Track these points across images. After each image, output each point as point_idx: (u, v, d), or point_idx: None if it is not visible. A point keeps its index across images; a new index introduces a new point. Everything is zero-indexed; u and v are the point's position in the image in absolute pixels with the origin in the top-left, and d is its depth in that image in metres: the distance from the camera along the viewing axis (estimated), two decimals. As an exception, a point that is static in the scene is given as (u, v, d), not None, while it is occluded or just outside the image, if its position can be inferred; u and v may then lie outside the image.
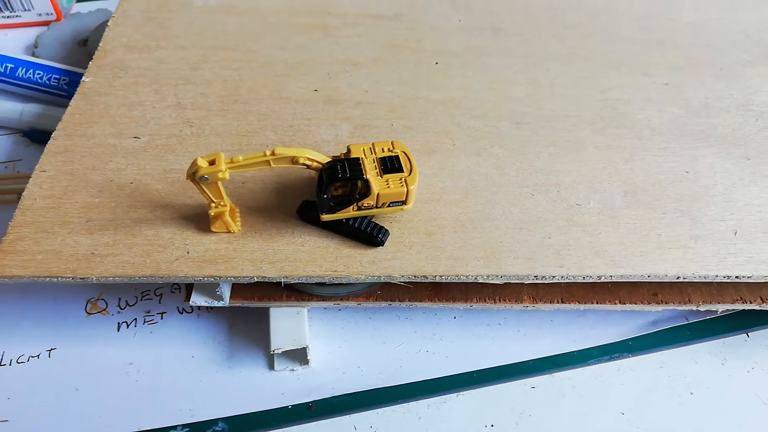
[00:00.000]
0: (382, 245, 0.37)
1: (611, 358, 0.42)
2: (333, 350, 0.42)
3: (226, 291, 0.40)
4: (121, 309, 0.44)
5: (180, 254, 0.36)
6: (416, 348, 0.43)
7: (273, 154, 0.33)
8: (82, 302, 0.44)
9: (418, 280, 0.36)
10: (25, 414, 0.39)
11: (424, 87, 0.48)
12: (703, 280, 0.37)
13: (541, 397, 0.41)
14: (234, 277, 0.36)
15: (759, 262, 0.37)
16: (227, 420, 0.39)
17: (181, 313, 0.44)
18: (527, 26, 0.54)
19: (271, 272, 0.36)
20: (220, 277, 0.36)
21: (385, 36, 0.52)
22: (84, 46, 0.62)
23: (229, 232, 0.38)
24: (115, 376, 0.41)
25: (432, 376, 0.41)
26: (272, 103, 0.46)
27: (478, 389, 0.41)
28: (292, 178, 0.41)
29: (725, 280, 0.37)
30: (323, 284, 0.39)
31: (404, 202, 0.36)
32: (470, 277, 0.36)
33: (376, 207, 0.36)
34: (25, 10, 0.65)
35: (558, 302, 0.41)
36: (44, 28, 0.65)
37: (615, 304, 0.41)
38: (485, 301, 0.41)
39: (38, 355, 0.42)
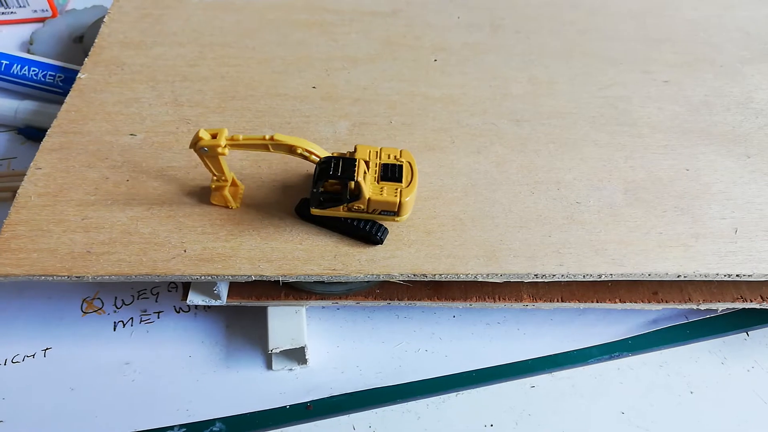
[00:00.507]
0: (381, 243, 0.37)
1: (611, 357, 0.42)
2: (331, 349, 0.42)
3: (223, 290, 0.40)
4: (118, 308, 0.44)
5: (177, 252, 0.36)
6: (415, 347, 0.42)
7: (272, 139, 0.34)
8: (78, 301, 0.44)
9: (418, 279, 0.36)
10: (20, 414, 0.39)
11: (422, 84, 0.47)
12: (704, 279, 0.37)
13: (540, 397, 0.41)
14: (231, 276, 0.35)
15: (759, 261, 0.37)
16: (225, 420, 0.39)
17: (178, 312, 0.44)
18: (526, 23, 0.54)
19: (269, 271, 0.35)
20: (217, 276, 0.35)
21: (383, 33, 0.52)
22: (80, 43, 0.61)
23: (228, 207, 0.38)
24: (112, 376, 0.40)
25: (431, 375, 0.41)
26: (270, 100, 0.46)
27: (477, 388, 0.41)
28: (290, 176, 0.40)
29: (725, 278, 0.37)
30: (321, 282, 0.39)
31: (396, 213, 0.36)
32: (470, 275, 0.36)
33: (367, 212, 0.36)
34: (21, 6, 0.64)
35: (558, 301, 0.40)
36: (40, 24, 0.65)
37: (615, 302, 0.41)
38: (485, 299, 0.40)
39: (33, 355, 0.41)
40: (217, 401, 0.39)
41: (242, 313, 0.43)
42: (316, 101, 0.46)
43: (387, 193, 0.35)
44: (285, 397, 0.40)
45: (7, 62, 0.55)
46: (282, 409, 0.39)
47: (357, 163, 0.34)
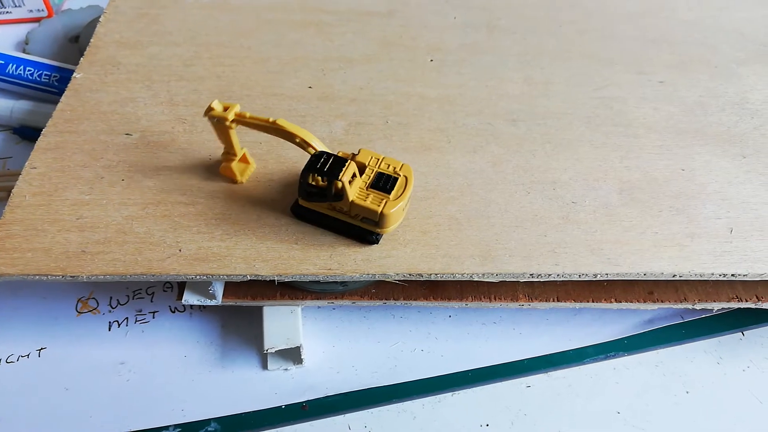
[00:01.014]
0: (377, 243, 0.37)
1: (607, 357, 0.42)
2: (327, 349, 0.42)
3: (218, 289, 0.40)
4: (113, 308, 0.43)
5: (172, 252, 0.36)
6: (411, 347, 0.42)
7: (274, 123, 0.35)
8: (73, 301, 0.44)
9: (413, 279, 0.36)
10: (15, 414, 0.38)
11: (418, 84, 0.47)
12: (699, 279, 0.37)
13: (536, 397, 0.41)
14: (227, 276, 0.35)
15: (755, 260, 0.37)
16: (220, 420, 0.39)
17: (173, 312, 0.44)
18: (522, 24, 0.54)
19: (265, 270, 0.35)
20: (212, 276, 0.35)
21: (379, 33, 0.52)
22: (75, 43, 0.61)
23: (234, 180, 0.39)
24: (106, 376, 0.40)
25: (427, 375, 0.41)
26: (266, 99, 0.45)
27: (473, 388, 0.41)
28: (286, 175, 0.40)
29: (721, 278, 0.37)
30: (317, 282, 0.39)
31: (377, 224, 0.35)
32: (465, 275, 0.36)
33: (350, 216, 0.36)
34: (16, 6, 0.64)
35: (553, 301, 0.40)
36: (35, 24, 0.64)
37: (610, 302, 0.41)
38: (480, 299, 0.40)
39: (28, 355, 0.41)
40: (212, 401, 0.39)
41: (238, 313, 0.43)
42: (312, 101, 0.46)
43: (371, 201, 0.34)
44: (280, 397, 0.40)
45: (3, 62, 0.55)
46: (277, 409, 0.39)
47: (347, 164, 0.34)
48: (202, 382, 0.40)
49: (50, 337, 0.42)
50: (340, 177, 0.33)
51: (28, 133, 0.53)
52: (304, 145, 0.35)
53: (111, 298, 0.44)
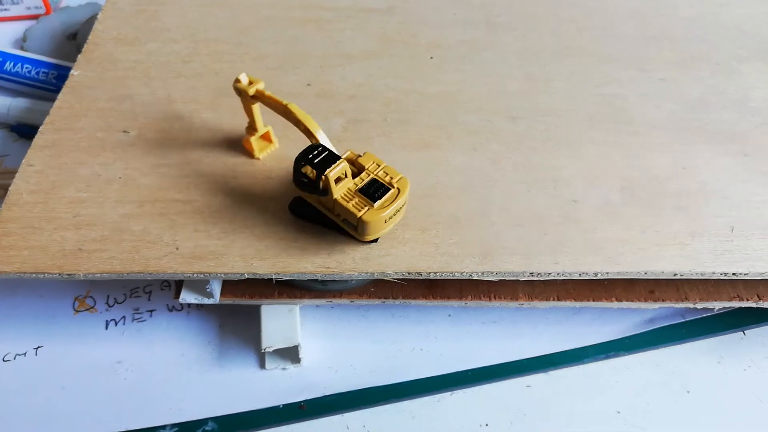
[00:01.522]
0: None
1: (607, 357, 0.42)
2: (325, 348, 0.42)
3: (216, 288, 0.39)
4: (110, 306, 0.43)
5: (169, 250, 0.36)
6: (410, 346, 0.42)
7: (286, 106, 0.37)
8: (70, 299, 0.44)
9: (412, 277, 0.36)
10: (11, 413, 0.38)
11: (418, 81, 0.47)
12: (700, 277, 0.37)
13: (536, 396, 0.40)
14: (224, 274, 0.35)
15: (756, 259, 0.37)
16: (217, 419, 0.38)
17: (171, 310, 0.43)
18: (522, 21, 0.53)
19: (262, 269, 0.35)
20: (210, 274, 0.35)
21: (378, 29, 0.52)
22: (73, 40, 0.61)
23: (252, 156, 0.41)
24: (103, 375, 0.40)
25: (426, 374, 0.41)
26: (264, 97, 0.45)
27: (472, 388, 0.41)
28: (284, 172, 0.40)
29: (722, 277, 0.36)
30: (315, 280, 0.38)
31: (356, 229, 0.35)
32: (465, 273, 0.36)
33: (334, 214, 0.35)
34: (14, 3, 0.64)
35: (554, 299, 0.40)
36: (33, 21, 0.64)
37: (611, 301, 0.40)
38: (480, 298, 0.40)
39: (25, 353, 0.41)
40: (209, 400, 0.39)
41: (235, 312, 0.43)
42: (311, 98, 0.45)
43: (354, 204, 0.34)
44: (278, 396, 0.39)
45: (0, 59, 0.55)
46: (275, 409, 0.39)
47: (338, 162, 0.34)
48: (199, 381, 0.40)
49: (47, 335, 0.42)
50: (326, 173, 0.33)
51: (25, 131, 0.53)
52: (308, 133, 0.36)
53: (108, 296, 0.44)
